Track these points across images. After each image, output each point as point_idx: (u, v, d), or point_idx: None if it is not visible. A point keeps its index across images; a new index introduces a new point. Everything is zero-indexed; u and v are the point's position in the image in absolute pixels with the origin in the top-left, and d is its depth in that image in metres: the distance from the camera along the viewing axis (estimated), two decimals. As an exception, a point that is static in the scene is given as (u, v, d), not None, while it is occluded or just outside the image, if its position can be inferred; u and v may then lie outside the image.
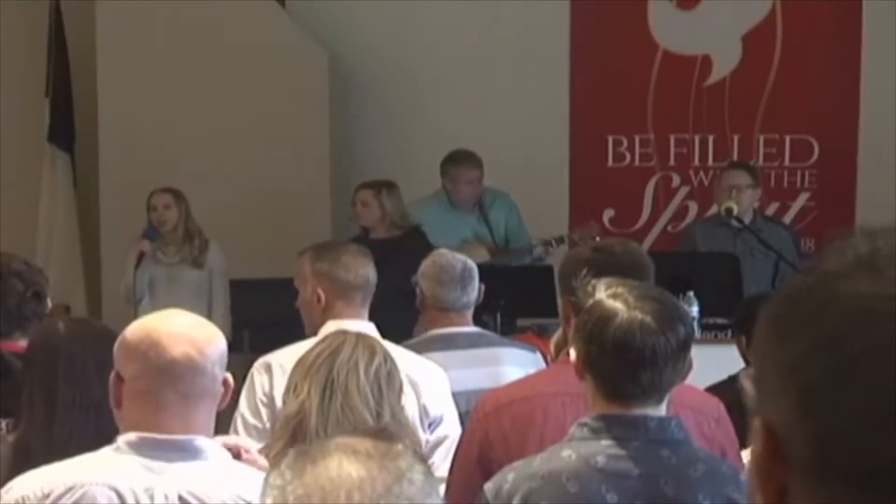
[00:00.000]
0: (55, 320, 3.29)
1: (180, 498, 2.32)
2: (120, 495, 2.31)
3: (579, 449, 2.36)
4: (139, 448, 2.36)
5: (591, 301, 2.40)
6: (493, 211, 6.95)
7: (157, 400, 2.36)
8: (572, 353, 2.43)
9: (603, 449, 2.34)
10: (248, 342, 6.14)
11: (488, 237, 6.74)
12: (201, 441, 2.39)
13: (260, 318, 6.37)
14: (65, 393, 2.88)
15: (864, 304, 0.86)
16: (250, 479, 2.39)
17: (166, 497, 2.32)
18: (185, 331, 2.41)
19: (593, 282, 2.47)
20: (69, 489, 2.30)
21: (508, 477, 2.39)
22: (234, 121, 7.21)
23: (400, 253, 5.59)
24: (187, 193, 6.55)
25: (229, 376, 2.48)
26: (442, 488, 3.06)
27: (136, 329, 2.43)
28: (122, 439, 2.38)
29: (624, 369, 2.34)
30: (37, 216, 7.38)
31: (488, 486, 2.42)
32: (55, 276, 6.41)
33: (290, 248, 6.64)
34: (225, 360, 2.46)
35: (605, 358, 2.35)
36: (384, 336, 3.82)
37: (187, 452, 2.36)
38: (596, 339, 2.35)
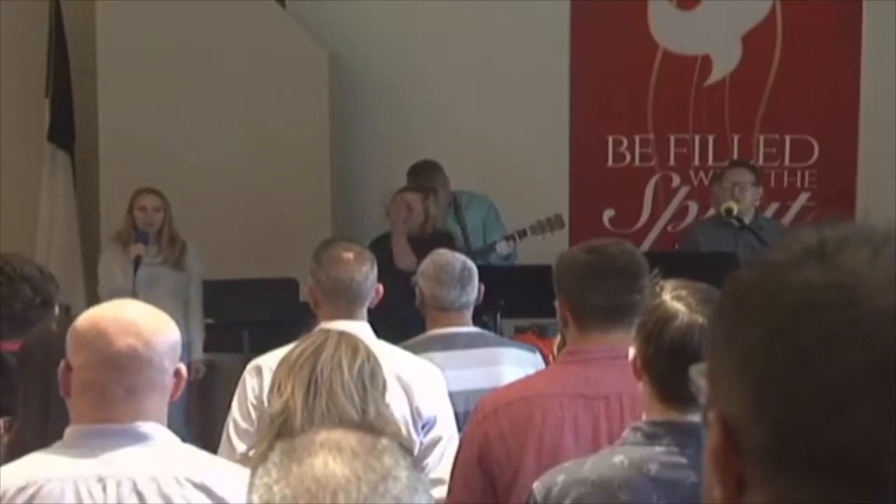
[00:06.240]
0: (49, 320, 3.29)
1: (132, 484, 2.30)
2: (72, 488, 2.29)
3: (632, 454, 2.32)
4: (86, 439, 2.34)
5: (655, 301, 2.37)
6: (469, 212, 6.98)
7: (102, 392, 2.34)
8: (631, 352, 2.39)
9: (656, 456, 2.30)
10: (248, 342, 6.15)
11: (461, 238, 6.76)
12: (146, 426, 2.36)
13: (260, 318, 6.39)
14: (59, 391, 2.89)
15: (811, 292, 0.87)
16: (199, 460, 2.38)
17: (118, 485, 2.30)
18: (133, 321, 2.36)
19: (661, 282, 2.44)
20: (21, 489, 2.28)
21: (558, 479, 2.35)
22: (234, 121, 7.20)
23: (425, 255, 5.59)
24: (187, 193, 6.55)
25: (182, 367, 2.44)
26: (441, 489, 3.06)
27: (85, 318, 2.40)
28: (70, 433, 2.37)
29: (678, 371, 2.31)
30: (37, 216, 7.38)
31: (537, 487, 2.38)
32: (55, 276, 6.41)
33: (290, 248, 6.67)
34: (177, 350, 2.42)
35: (661, 359, 2.31)
36: (400, 337, 3.82)
37: (133, 438, 2.34)
38: (654, 339, 2.32)
